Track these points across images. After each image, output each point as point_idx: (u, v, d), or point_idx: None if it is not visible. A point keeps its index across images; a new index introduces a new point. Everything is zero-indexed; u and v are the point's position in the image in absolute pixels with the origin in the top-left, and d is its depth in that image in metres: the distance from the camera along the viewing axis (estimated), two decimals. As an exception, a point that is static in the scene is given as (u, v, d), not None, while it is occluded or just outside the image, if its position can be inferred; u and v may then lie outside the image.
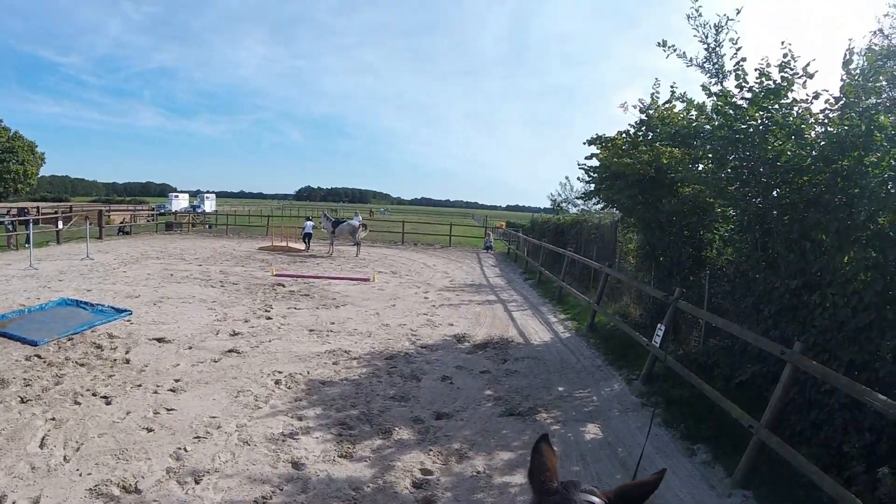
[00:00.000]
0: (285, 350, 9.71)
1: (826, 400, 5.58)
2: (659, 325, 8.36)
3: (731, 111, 7.25)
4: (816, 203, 6.40)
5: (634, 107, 10.71)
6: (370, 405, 7.54)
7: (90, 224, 24.99)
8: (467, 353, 10.21)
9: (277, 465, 5.87)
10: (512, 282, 19.78)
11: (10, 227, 23.86)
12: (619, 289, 13.45)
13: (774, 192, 7.21)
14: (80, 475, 5.35)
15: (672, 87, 9.99)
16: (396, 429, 6.87)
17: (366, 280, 18.03)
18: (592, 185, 11.89)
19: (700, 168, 9.32)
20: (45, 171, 66.99)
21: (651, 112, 10.47)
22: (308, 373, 8.63)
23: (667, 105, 10.27)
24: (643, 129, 10.67)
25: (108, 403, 7.02)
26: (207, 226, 42.10)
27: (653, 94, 10.34)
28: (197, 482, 5.40)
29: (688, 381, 7.46)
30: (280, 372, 8.55)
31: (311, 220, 30.00)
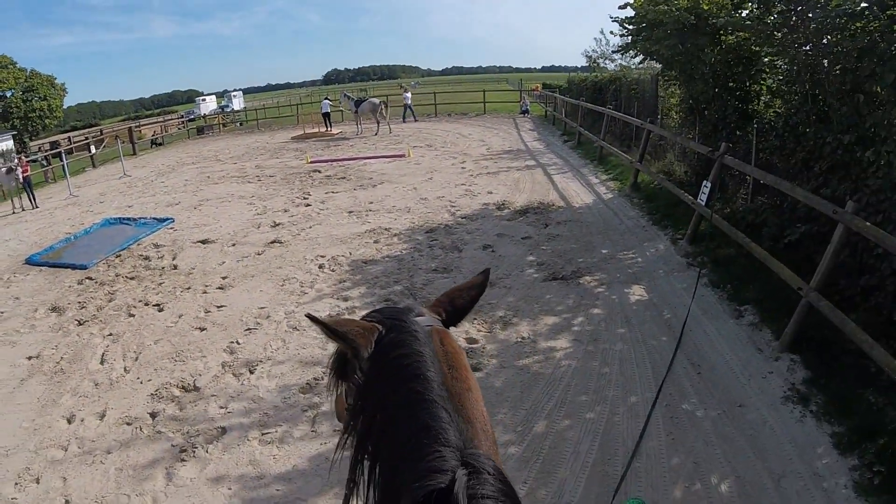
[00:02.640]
0: (326, 234, 9.94)
1: (878, 265, 5.33)
2: (704, 183, 8.03)
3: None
4: (871, 52, 5.75)
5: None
6: (413, 279, 7.72)
7: (122, 142, 25.42)
8: (508, 221, 10.18)
9: (327, 347, 6.14)
10: (551, 145, 19.28)
11: (43, 162, 24.57)
12: (663, 146, 12.86)
13: (825, 40, 6.54)
14: (141, 383, 5.79)
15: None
16: None
17: (401, 156, 17.93)
18: (629, 38, 11.18)
19: (744, 13, 8.62)
20: (70, 101, 68.02)
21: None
22: (350, 254, 8.85)
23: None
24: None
25: (160, 311, 7.46)
26: (238, 124, 42.18)
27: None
28: (251, 372, 5.77)
29: (734, 241, 7.26)
30: (322, 256, 8.80)
31: (329, 99, 30.07)
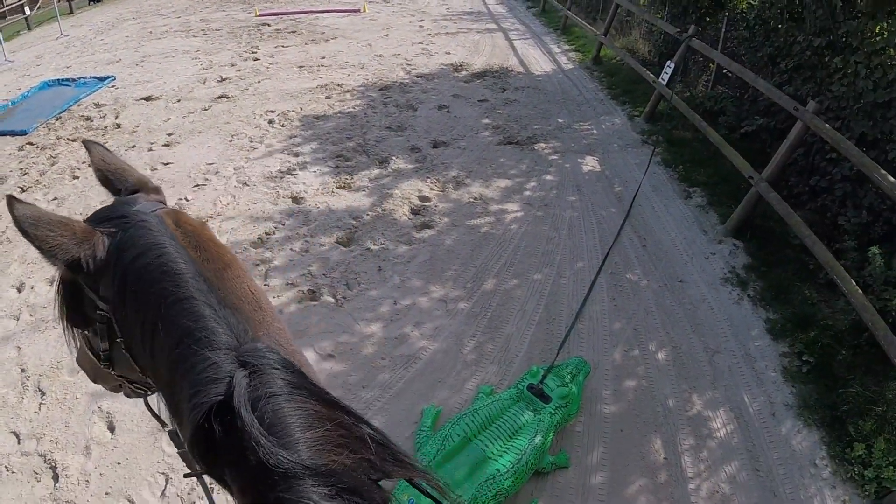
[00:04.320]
0: (276, 89, 9.73)
1: (830, 169, 5.63)
2: (668, 63, 8.01)
3: None
4: (854, -45, 5.59)
5: None
6: (366, 136, 7.73)
7: (58, 1, 23.88)
8: (465, 83, 10.06)
9: (278, 202, 6.29)
10: (513, 10, 18.42)
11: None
12: (629, 23, 12.33)
13: None
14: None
15: None
16: (393, 158, 7.13)
17: (356, 11, 17.11)
18: None
19: None
20: None
21: None
22: (301, 109, 8.74)
23: None
24: None
25: (103, 173, 7.42)
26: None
27: None
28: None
29: (691, 125, 7.39)
30: (272, 111, 8.69)
31: None
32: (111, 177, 1.26)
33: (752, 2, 8.27)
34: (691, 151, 7.33)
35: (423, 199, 6.32)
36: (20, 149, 8.83)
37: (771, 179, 5.55)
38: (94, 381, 1.48)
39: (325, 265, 5.35)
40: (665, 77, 8.01)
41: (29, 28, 24.20)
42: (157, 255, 0.99)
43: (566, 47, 13.11)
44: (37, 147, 8.71)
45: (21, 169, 8.01)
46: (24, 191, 7.32)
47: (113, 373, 1.27)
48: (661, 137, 7.76)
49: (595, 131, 8.22)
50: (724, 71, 7.78)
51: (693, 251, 5.55)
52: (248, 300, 1.02)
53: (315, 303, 4.92)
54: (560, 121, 8.49)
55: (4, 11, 28.00)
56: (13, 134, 9.55)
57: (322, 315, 4.77)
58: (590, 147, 7.66)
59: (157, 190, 1.26)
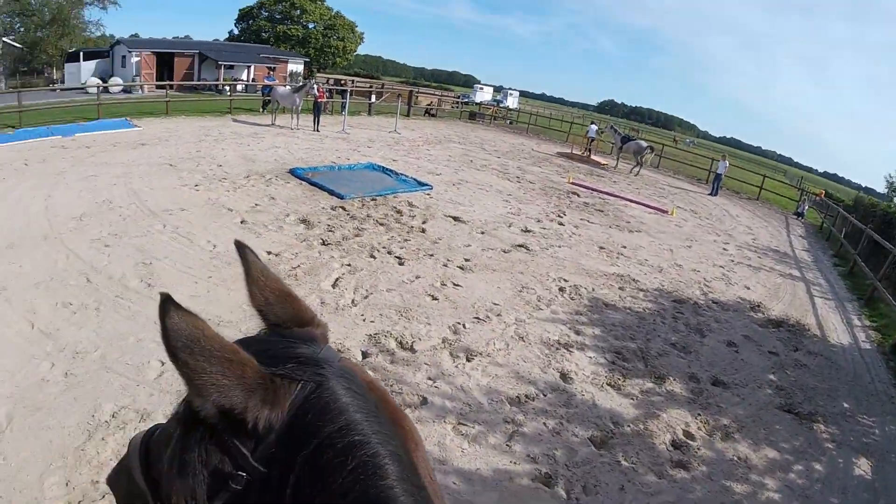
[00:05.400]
0: (573, 260, 9.87)
1: None
2: None
3: None
4: None
5: None
6: (649, 344, 7.40)
7: (401, 102, 27.62)
8: (759, 325, 9.42)
9: (547, 371, 6.10)
10: (818, 261, 17.49)
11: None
12: None
13: None
14: (364, 320, 6.16)
15: None
16: (670, 378, 6.70)
17: (664, 211, 17.36)
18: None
19: None
20: (360, 50, 76.70)
21: None
22: (593, 290, 8.69)
23: None
24: None
25: (400, 264, 7.93)
26: (508, 121, 43.87)
27: None
28: (468, 360, 5.86)
29: None
30: (566, 280, 8.74)
31: (595, 124, 30.57)
32: (270, 298, 1.02)
33: None
34: None
35: (688, 435, 5.74)
36: (333, 208, 9.87)
37: None
38: None
39: (570, 456, 4.97)
40: None
41: (370, 113, 28.39)
42: (362, 440, 0.76)
43: (867, 323, 11.88)
44: (348, 214, 9.65)
45: (329, 225, 8.91)
46: (324, 244, 8.10)
47: None
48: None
49: (877, 432, 7.05)
50: None
51: None
52: (438, 495, 0.82)
53: (547, 489, 4.55)
54: (845, 405, 7.46)
55: (353, 91, 33.16)
56: (332, 193, 10.77)
57: (549, 508, 4.35)
58: (867, 448, 6.54)
59: (326, 329, 1.02)
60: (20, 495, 3.61)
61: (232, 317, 5.86)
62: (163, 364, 5.11)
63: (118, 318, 5.71)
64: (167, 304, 0.78)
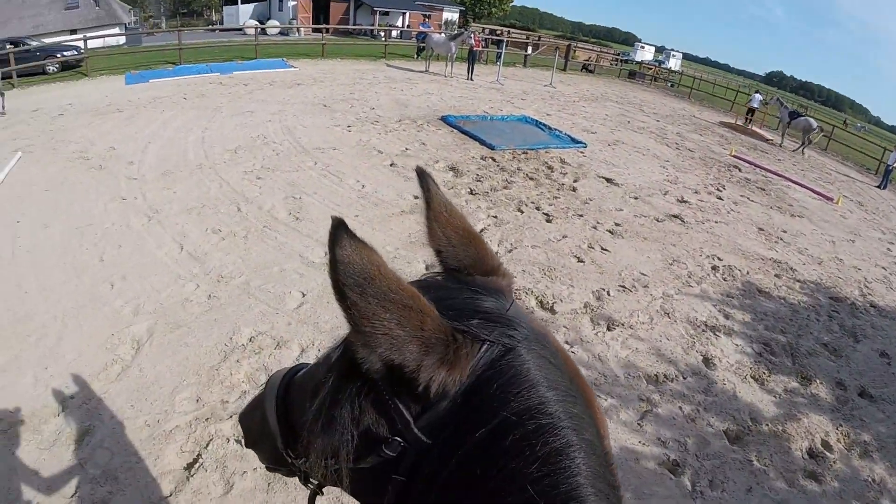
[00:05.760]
0: (729, 239, 9.27)
1: None
2: None
3: None
4: None
5: None
6: (799, 340, 6.85)
7: (558, 55, 26.94)
8: None
9: (689, 352, 5.81)
10: None
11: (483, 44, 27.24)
12: None
13: None
14: (507, 274, 6.09)
15: None
16: (816, 381, 6.17)
17: (829, 199, 15.90)
18: None
19: None
20: (517, 1, 76.67)
21: None
22: (748, 273, 8.14)
23: None
24: None
25: (548, 221, 7.79)
26: (669, 84, 41.70)
27: None
28: (609, 329, 5.69)
29: None
30: (720, 259, 8.25)
31: (760, 94, 28.85)
32: (452, 238, 0.88)
33: None
34: None
35: (826, 446, 5.28)
36: (482, 158, 9.83)
37: None
38: (251, 448, 1.15)
39: (702, 447, 4.71)
40: None
41: (525, 65, 28.22)
42: (555, 423, 0.64)
43: None
44: (498, 165, 9.57)
45: (477, 174, 8.92)
46: (472, 193, 8.02)
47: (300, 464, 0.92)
48: None
49: None
50: None
51: None
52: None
53: (672, 477, 4.34)
54: None
55: (508, 41, 32.80)
56: (483, 143, 10.74)
57: (671, 494, 4.15)
58: None
59: (511, 281, 0.88)
60: (150, 405, 3.89)
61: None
62: (303, 295, 5.33)
63: (264, 248, 6.01)
64: (339, 231, 0.68)
